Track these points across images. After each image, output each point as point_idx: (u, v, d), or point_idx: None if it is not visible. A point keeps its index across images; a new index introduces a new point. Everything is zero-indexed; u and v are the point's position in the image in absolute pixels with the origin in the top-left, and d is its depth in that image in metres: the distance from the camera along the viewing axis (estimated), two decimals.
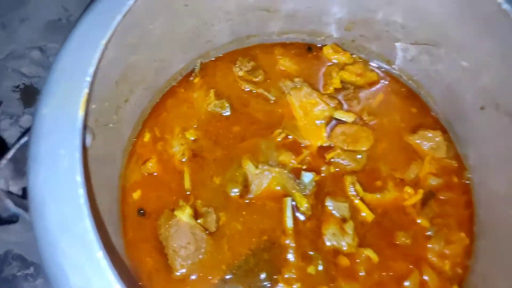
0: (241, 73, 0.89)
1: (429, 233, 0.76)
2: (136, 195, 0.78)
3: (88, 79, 0.52)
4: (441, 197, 0.78)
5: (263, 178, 0.79)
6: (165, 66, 0.81)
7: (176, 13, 0.75)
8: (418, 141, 0.83)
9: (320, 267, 0.73)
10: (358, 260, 0.74)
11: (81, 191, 0.45)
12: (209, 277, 0.71)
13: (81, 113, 0.49)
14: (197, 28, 0.80)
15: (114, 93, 0.70)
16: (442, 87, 0.79)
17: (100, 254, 0.42)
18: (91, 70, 0.53)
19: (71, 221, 0.44)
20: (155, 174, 0.80)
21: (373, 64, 0.90)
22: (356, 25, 0.82)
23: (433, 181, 0.80)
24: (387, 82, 0.89)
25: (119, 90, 0.71)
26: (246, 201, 0.77)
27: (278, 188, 0.78)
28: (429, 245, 0.75)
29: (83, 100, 0.50)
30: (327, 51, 0.91)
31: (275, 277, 0.72)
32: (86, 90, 0.51)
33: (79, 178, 0.45)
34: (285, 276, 0.72)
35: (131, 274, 0.71)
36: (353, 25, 0.82)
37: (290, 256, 0.74)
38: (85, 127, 0.51)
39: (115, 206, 0.74)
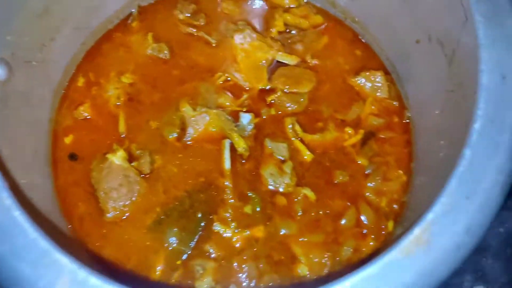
0: (181, 17, 0.86)
1: (367, 171, 0.76)
2: (68, 139, 0.75)
3: None
4: (381, 136, 0.78)
5: (200, 121, 0.77)
6: (98, 6, 0.77)
7: None
8: (360, 83, 0.81)
9: (257, 207, 0.73)
10: (295, 200, 0.73)
11: None
12: (142, 219, 0.71)
13: None
14: None
15: (36, 28, 0.66)
16: (383, 26, 0.78)
17: None
18: None
19: None
20: (88, 117, 0.77)
21: (318, 5, 0.88)
22: None
23: (374, 122, 0.79)
24: (331, 25, 0.87)
25: (42, 26, 0.67)
26: (184, 143, 0.76)
27: (215, 130, 0.76)
28: (368, 183, 0.75)
29: None
30: None
31: (211, 217, 0.71)
32: None
33: None
34: (221, 216, 0.72)
35: (59, 216, 0.69)
36: None
37: (227, 197, 0.73)
38: None
39: (44, 150, 0.72)
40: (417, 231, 0.37)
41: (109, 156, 0.72)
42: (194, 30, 0.84)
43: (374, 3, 0.76)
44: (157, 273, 0.68)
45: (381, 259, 0.36)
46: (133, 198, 0.71)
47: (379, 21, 0.79)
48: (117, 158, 0.72)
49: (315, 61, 0.83)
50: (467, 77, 0.54)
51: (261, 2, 0.88)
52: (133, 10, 0.84)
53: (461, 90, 0.57)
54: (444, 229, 0.38)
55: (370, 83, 0.82)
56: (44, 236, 0.39)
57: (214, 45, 0.84)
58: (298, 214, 0.72)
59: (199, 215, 0.71)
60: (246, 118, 0.77)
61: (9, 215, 0.40)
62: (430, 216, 0.38)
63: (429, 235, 0.36)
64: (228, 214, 0.72)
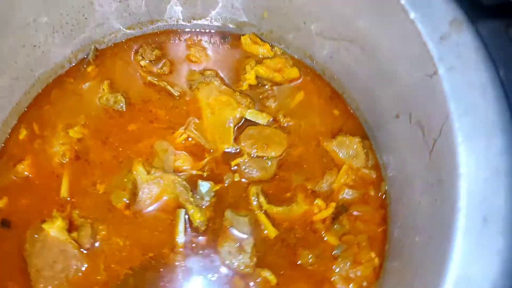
0: (143, 63, 0.77)
1: (336, 251, 0.68)
2: (2, 202, 0.67)
3: None
4: (354, 213, 0.71)
5: (154, 186, 0.69)
6: (43, 53, 0.69)
7: None
8: (335, 148, 0.74)
9: None
10: (252, 284, 0.65)
11: None
12: None
13: None
14: (81, 9, 0.68)
15: None
16: (362, 89, 0.70)
17: None
18: None
19: None
20: (28, 177, 0.68)
21: (295, 57, 0.80)
22: (270, 13, 0.71)
23: (348, 194, 0.72)
24: (308, 80, 0.80)
25: None
26: (133, 212, 0.68)
27: (170, 198, 0.68)
28: (334, 267, 0.68)
29: None
30: (245, 41, 0.81)
31: None
32: None
33: None
34: None
35: None
36: (267, 12, 0.71)
37: (178, 278, 0.65)
38: None
39: None
40: None
41: (45, 226, 0.64)
42: (156, 79, 0.76)
43: (354, 66, 0.68)
44: None
45: None
46: (70, 277, 0.63)
47: (359, 83, 0.71)
48: (54, 228, 0.64)
49: (287, 120, 0.76)
50: (448, 179, 0.47)
51: (233, 50, 0.81)
52: (88, 54, 0.76)
53: (440, 190, 0.50)
54: None
55: (346, 149, 0.74)
56: None
57: (177, 97, 0.76)
58: None
59: None
60: (205, 187, 0.69)
61: None
62: None
63: None
64: None
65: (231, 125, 0.74)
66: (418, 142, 0.59)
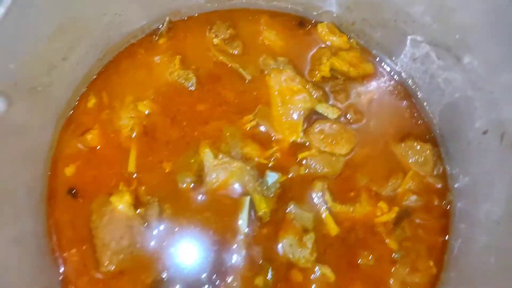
0: (216, 41, 0.75)
1: (395, 256, 0.69)
2: (69, 171, 0.66)
3: None
4: (416, 220, 0.70)
5: (221, 171, 0.68)
6: (121, 21, 0.66)
7: None
8: (403, 152, 0.73)
9: (269, 279, 0.66)
10: (312, 277, 0.66)
11: None
12: (142, 276, 0.63)
13: None
14: None
15: (45, 50, 0.56)
16: (447, 99, 0.68)
17: None
18: None
19: None
20: (96, 147, 0.67)
21: (373, 53, 0.77)
22: (359, 5, 0.68)
23: (411, 200, 0.71)
24: (384, 78, 0.77)
25: (52, 47, 0.56)
26: (198, 194, 0.68)
27: (237, 185, 0.68)
28: (393, 270, 0.68)
29: None
30: (322, 29, 0.77)
31: (218, 282, 0.64)
32: None
33: None
34: (228, 282, 0.65)
35: (48, 268, 0.61)
36: (355, 5, 0.68)
37: (238, 263, 0.66)
38: None
39: (40, 183, 0.63)
40: None
41: (113, 199, 0.63)
42: (228, 59, 0.74)
43: (441, 73, 0.65)
44: None
45: None
46: (134, 253, 0.63)
47: (444, 92, 0.68)
48: (122, 203, 0.63)
49: (357, 118, 0.73)
50: None
51: (309, 37, 0.77)
52: (162, 24, 0.73)
53: None
54: None
55: (415, 155, 0.72)
56: None
57: (247, 81, 0.74)
58: None
59: (205, 276, 0.64)
60: (272, 178, 0.68)
61: None
62: None
63: None
64: (236, 283, 0.65)
65: (301, 116, 0.73)
66: (507, 166, 0.58)
